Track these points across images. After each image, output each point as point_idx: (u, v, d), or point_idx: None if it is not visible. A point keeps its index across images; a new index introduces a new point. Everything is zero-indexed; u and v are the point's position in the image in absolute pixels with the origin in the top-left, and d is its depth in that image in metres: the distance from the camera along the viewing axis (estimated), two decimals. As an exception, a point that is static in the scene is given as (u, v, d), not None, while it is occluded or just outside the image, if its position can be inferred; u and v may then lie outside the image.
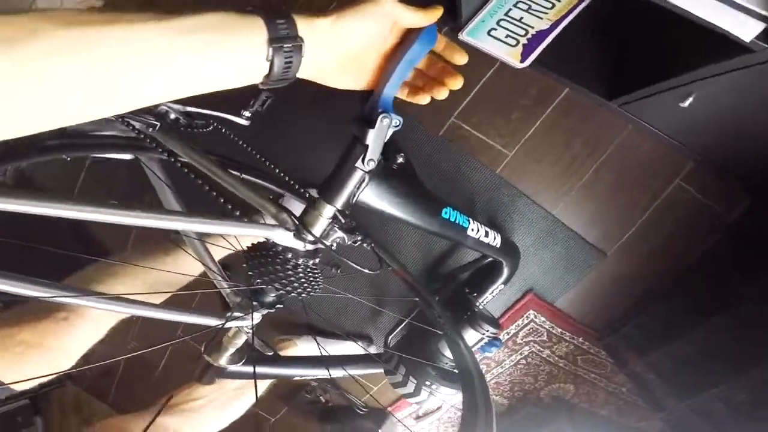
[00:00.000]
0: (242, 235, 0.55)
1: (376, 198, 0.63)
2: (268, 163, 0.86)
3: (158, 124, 0.69)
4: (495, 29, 0.87)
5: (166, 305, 0.53)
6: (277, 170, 0.88)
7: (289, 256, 0.60)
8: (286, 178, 0.89)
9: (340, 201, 0.54)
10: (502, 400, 1.27)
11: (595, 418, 1.24)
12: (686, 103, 0.72)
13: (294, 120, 1.11)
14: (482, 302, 1.01)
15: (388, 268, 0.98)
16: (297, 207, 1.09)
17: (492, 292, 1.02)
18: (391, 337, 1.11)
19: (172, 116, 0.75)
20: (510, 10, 0.85)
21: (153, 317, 0.54)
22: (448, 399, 0.94)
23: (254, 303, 0.66)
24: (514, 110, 1.00)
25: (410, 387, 0.90)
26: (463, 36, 0.88)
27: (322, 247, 0.61)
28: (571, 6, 0.81)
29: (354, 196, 0.58)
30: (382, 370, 0.96)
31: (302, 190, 0.90)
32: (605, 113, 0.96)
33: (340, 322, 1.22)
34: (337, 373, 0.93)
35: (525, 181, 1.04)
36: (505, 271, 0.99)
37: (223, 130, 0.83)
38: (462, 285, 1.05)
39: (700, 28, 0.57)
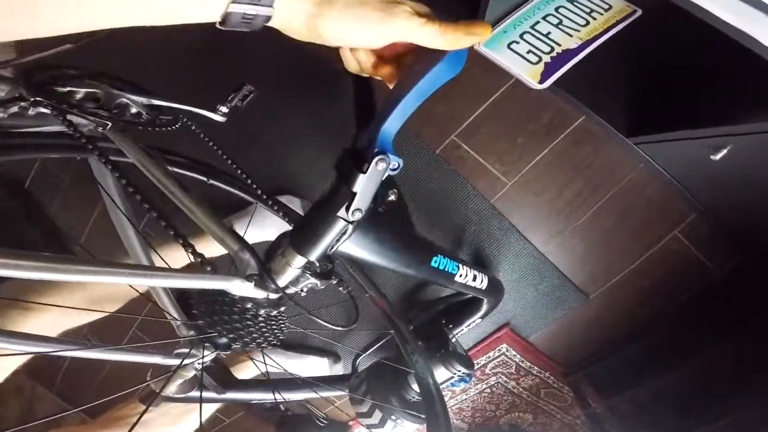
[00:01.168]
0: (190, 288, 0.46)
1: (357, 249, 0.54)
2: (237, 169, 0.75)
3: (108, 123, 0.57)
4: (517, 42, 0.76)
5: (106, 345, 0.47)
6: (249, 179, 0.78)
7: (248, 305, 0.51)
8: (254, 186, 0.78)
9: (315, 254, 0.45)
10: (462, 425, 1.26)
11: None
12: (718, 156, 0.66)
13: (278, 119, 1.00)
14: (457, 333, 0.97)
15: (365, 294, 0.91)
16: (271, 222, 1.00)
17: (468, 325, 0.97)
18: (359, 359, 1.06)
19: (133, 110, 0.63)
20: (538, 23, 0.75)
21: (94, 358, 0.48)
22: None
23: (205, 344, 0.58)
24: (520, 135, 0.92)
25: (375, 418, 0.86)
26: (479, 47, 0.78)
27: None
28: (608, 26, 0.71)
29: (332, 248, 0.50)
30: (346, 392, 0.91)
31: (273, 205, 0.80)
32: (618, 149, 0.89)
33: (307, 337, 1.16)
34: (295, 396, 0.88)
35: (519, 215, 0.97)
36: (485, 308, 0.94)
37: (194, 128, 0.72)
38: (438, 315, 0.99)
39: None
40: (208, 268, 0.49)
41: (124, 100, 0.62)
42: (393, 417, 0.85)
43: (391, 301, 1.04)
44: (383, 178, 0.44)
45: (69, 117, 0.52)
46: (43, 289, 0.68)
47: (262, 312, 0.53)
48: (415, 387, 0.89)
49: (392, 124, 0.40)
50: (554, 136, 0.91)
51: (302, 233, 0.46)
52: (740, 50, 0.59)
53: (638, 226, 0.95)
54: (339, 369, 1.17)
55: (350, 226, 0.45)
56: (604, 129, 0.87)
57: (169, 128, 0.69)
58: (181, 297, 0.73)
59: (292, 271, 0.48)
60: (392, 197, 0.60)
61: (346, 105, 0.95)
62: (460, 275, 0.72)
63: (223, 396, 0.68)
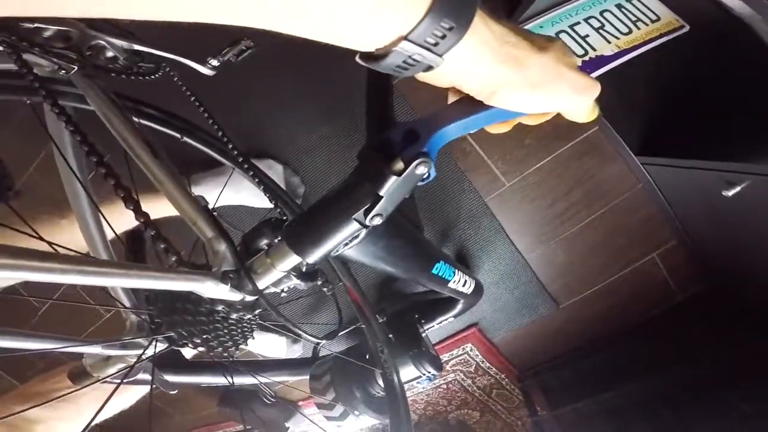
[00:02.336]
0: (157, 288, 0.37)
1: (362, 255, 0.47)
2: (218, 130, 0.65)
3: (75, 66, 0.50)
4: None
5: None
6: (226, 139, 0.66)
7: (219, 308, 0.43)
8: (235, 151, 0.68)
9: (315, 255, 0.37)
10: (412, 416, 1.26)
11: None
12: (731, 193, 0.64)
13: (272, 81, 0.87)
14: (428, 329, 0.94)
15: (339, 284, 0.84)
16: (247, 188, 0.88)
17: (440, 323, 0.94)
18: (321, 345, 1.00)
19: (109, 54, 0.55)
20: (578, 23, 0.68)
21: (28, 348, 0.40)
22: (370, 425, 0.88)
23: (156, 339, 0.49)
24: (529, 136, 0.86)
25: (336, 412, 0.83)
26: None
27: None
28: (650, 37, 0.66)
29: (336, 251, 0.41)
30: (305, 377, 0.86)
31: (251, 172, 0.70)
32: (622, 165, 0.86)
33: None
34: (249, 380, 0.81)
35: (510, 218, 0.93)
36: (460, 308, 0.91)
37: (176, 79, 0.64)
38: (412, 309, 0.95)
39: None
40: (173, 258, 0.40)
41: (101, 42, 0.54)
42: (356, 412, 0.82)
43: (365, 290, 0.98)
44: (416, 185, 0.36)
45: (25, 55, 0.45)
46: None
47: (234, 316, 0.44)
48: (381, 382, 0.86)
49: (454, 130, 0.34)
50: (562, 143, 0.87)
51: (304, 230, 0.37)
52: None
53: (622, 245, 0.95)
54: (297, 349, 1.10)
55: (363, 231, 0.37)
56: (614, 143, 0.84)
57: (146, 77, 0.60)
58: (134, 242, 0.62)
59: (275, 273, 0.40)
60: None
61: (352, 74, 0.84)
62: (455, 281, 0.67)
63: (176, 379, 0.60)
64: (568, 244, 0.95)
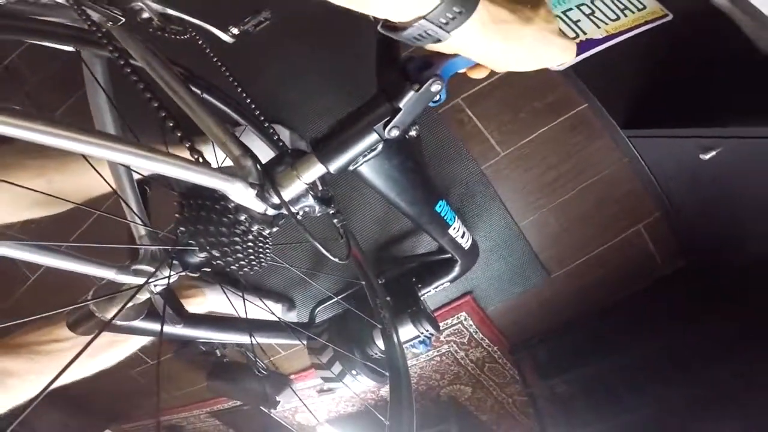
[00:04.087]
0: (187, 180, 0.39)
1: (377, 172, 0.49)
2: (240, 90, 0.68)
3: (122, 19, 0.55)
4: None
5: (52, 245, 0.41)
6: (249, 100, 0.69)
7: (242, 218, 0.44)
8: (258, 112, 0.71)
9: (337, 164, 0.41)
10: (406, 389, 1.27)
11: (476, 421, 1.32)
12: (707, 156, 0.69)
13: (286, 50, 0.91)
14: (425, 294, 0.96)
15: (341, 240, 0.86)
16: (258, 148, 0.90)
17: (437, 287, 0.96)
18: (319, 309, 1.01)
19: (145, 15, 0.61)
20: (570, 9, 0.73)
21: (34, 261, 0.41)
22: (367, 388, 0.89)
23: (175, 262, 0.49)
24: (523, 110, 0.91)
25: (334, 371, 0.83)
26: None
27: (285, 214, 0.46)
28: (636, 24, 0.72)
29: (355, 163, 0.44)
30: (302, 343, 0.86)
31: (274, 134, 0.73)
32: (609, 140, 0.92)
33: (263, 277, 1.08)
34: (248, 339, 0.81)
35: (505, 186, 0.97)
36: (457, 270, 0.94)
37: (200, 42, 0.69)
38: (410, 273, 0.97)
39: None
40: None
41: (139, 4, 0.60)
42: (354, 371, 0.82)
43: (365, 251, 1.00)
44: (429, 104, 0.40)
45: (84, 7, 0.49)
46: None
47: (255, 228, 0.46)
48: (380, 343, 0.86)
49: (461, 62, 0.39)
50: (554, 117, 0.92)
51: (330, 139, 0.41)
52: (748, 53, 0.62)
53: (609, 216, 1.00)
54: (292, 317, 1.10)
55: (381, 144, 0.41)
56: (602, 119, 0.89)
57: (176, 37, 0.67)
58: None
59: (298, 185, 0.42)
60: (414, 132, 0.55)
61: (360, 48, 0.89)
62: (454, 228, 0.70)
63: (182, 331, 0.60)
64: (558, 212, 0.99)
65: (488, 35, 0.33)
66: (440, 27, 0.30)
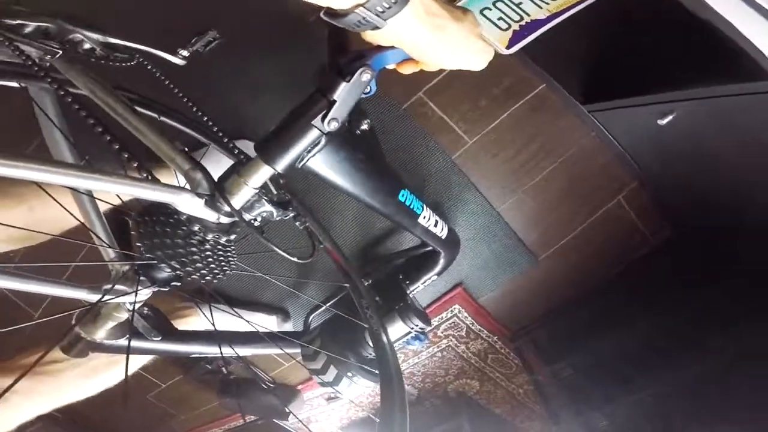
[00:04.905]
0: (134, 196, 0.41)
1: (328, 166, 0.52)
2: (194, 108, 0.71)
3: (60, 51, 0.56)
4: (489, 9, 0.77)
5: (26, 272, 0.42)
6: (206, 117, 0.72)
7: (196, 228, 0.47)
8: (216, 128, 0.74)
9: (283, 163, 0.43)
10: (412, 390, 1.28)
11: (489, 415, 1.31)
12: (664, 121, 0.70)
13: (241, 66, 0.94)
14: (413, 290, 0.97)
15: (320, 246, 0.88)
16: (224, 164, 0.93)
17: (425, 282, 0.98)
18: (312, 316, 1.03)
19: (86, 46, 0.62)
20: None
21: (8, 287, 0.42)
22: (366, 389, 0.89)
23: (141, 278, 0.52)
24: (483, 97, 0.93)
25: (330, 376, 0.85)
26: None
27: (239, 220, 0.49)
28: (576, 1, 0.74)
29: (302, 159, 0.47)
30: (297, 351, 0.88)
31: (230, 144, 0.76)
32: (573, 117, 0.93)
33: (255, 292, 1.10)
34: (241, 352, 0.83)
35: (477, 173, 0.99)
36: (442, 262, 0.95)
37: (149, 66, 0.70)
38: (396, 270, 0.99)
39: (723, 41, 0.52)
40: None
41: (78, 35, 0.61)
42: (349, 374, 0.84)
43: (346, 254, 1.02)
44: (362, 94, 0.43)
45: (16, 44, 0.51)
46: None
47: (209, 237, 0.48)
48: (371, 343, 0.88)
49: (391, 56, 0.42)
50: (515, 101, 0.93)
51: (272, 140, 0.43)
52: (687, 18, 0.63)
53: (586, 191, 1.00)
54: (288, 328, 1.13)
55: (323, 138, 0.44)
56: (562, 97, 0.91)
57: (122, 64, 0.67)
58: (119, 229, 0.66)
59: (247, 191, 0.45)
60: (365, 126, 0.58)
61: (314, 57, 0.91)
62: (424, 217, 0.71)
63: (157, 345, 0.62)
64: (535, 192, 1.00)
65: (421, 26, 0.36)
66: (377, 15, 0.33)
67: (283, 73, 0.94)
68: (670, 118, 0.73)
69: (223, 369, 1.20)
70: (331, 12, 0.34)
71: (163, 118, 0.77)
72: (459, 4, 0.76)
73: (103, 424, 1.32)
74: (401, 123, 0.95)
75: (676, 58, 0.74)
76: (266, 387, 1.19)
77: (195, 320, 0.97)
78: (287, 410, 1.18)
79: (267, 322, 1.07)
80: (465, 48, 0.42)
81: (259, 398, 1.18)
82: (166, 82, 0.71)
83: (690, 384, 0.90)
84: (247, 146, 0.95)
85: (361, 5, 0.32)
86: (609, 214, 1.02)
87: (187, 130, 0.80)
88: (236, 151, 0.78)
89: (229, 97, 0.96)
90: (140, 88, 0.67)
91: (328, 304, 0.98)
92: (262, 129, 0.97)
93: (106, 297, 0.51)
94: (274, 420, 1.26)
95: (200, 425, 1.41)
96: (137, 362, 0.85)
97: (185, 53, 0.74)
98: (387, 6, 0.32)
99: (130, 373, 0.81)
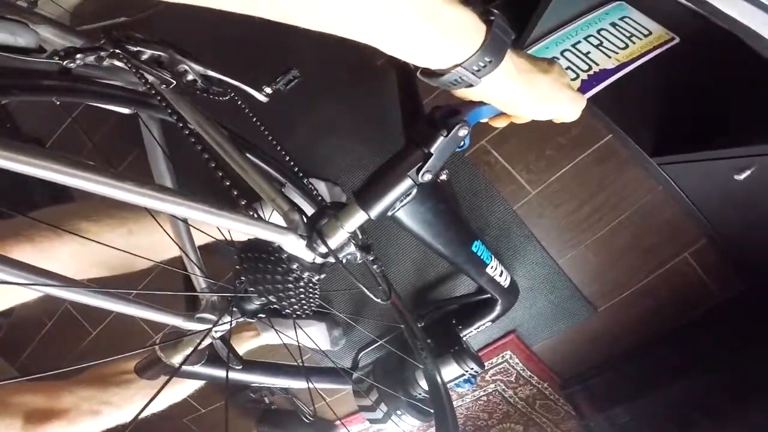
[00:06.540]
0: (246, 233, 0.45)
1: (411, 216, 0.54)
2: (279, 147, 0.75)
3: (174, 82, 0.59)
4: (557, 58, 0.79)
5: (125, 295, 0.43)
6: (288, 157, 0.77)
7: (294, 266, 0.49)
8: (297, 168, 0.78)
9: (377, 210, 0.45)
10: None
11: None
12: (742, 177, 0.68)
13: (315, 106, 1.01)
14: (466, 335, 0.96)
15: (378, 287, 0.90)
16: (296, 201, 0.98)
17: (478, 328, 0.96)
18: (362, 354, 1.03)
19: (190, 77, 0.65)
20: (579, 42, 0.78)
21: (105, 308, 0.42)
22: (412, 428, 0.88)
23: (234, 309, 0.55)
24: (548, 147, 0.94)
25: (379, 414, 0.84)
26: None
27: (331, 261, 0.51)
28: (646, 50, 0.75)
29: (393, 209, 0.49)
30: (348, 387, 0.88)
31: (313, 189, 0.80)
32: (640, 170, 0.92)
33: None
34: (301, 384, 0.84)
35: (539, 225, 0.99)
36: (498, 310, 0.94)
37: (239, 103, 0.74)
38: (449, 315, 0.98)
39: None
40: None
41: (184, 66, 0.64)
42: (399, 412, 0.83)
43: (402, 296, 1.03)
44: (456, 149, 0.45)
45: (140, 71, 0.54)
46: (83, 223, 0.64)
47: (305, 275, 0.51)
48: (423, 383, 0.87)
49: (486, 111, 0.44)
50: (581, 151, 0.94)
51: (369, 188, 0.46)
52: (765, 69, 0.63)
53: (651, 246, 0.97)
54: (337, 335, 1.11)
55: (415, 189, 0.46)
56: (629, 149, 0.90)
57: (219, 98, 0.71)
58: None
59: (342, 234, 0.47)
60: (444, 177, 0.60)
61: (383, 100, 0.97)
62: (492, 267, 0.72)
63: (241, 375, 0.65)
64: (597, 247, 0.98)
65: (512, 82, 0.38)
66: (473, 73, 0.34)
67: (351, 112, 1.00)
68: (748, 173, 0.71)
69: (266, 399, 1.21)
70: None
71: (247, 155, 0.83)
72: (529, 51, 0.80)
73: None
74: (463, 170, 0.97)
75: (753, 110, 0.74)
76: (306, 420, 1.18)
77: (255, 335, 1.00)
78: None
79: (317, 330, 1.07)
80: (556, 99, 0.43)
81: (297, 431, 1.18)
82: (254, 119, 0.75)
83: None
84: (317, 183, 1.00)
85: (459, 65, 0.33)
86: (674, 270, 0.98)
87: (267, 168, 0.85)
88: (314, 192, 0.82)
89: (302, 136, 1.02)
90: (227, 122, 0.70)
91: (383, 340, 0.98)
92: (332, 168, 1.02)
93: (195, 326, 0.54)
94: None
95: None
96: (193, 386, 0.87)
97: (269, 90, 0.77)
98: (483, 65, 0.33)
99: (189, 393, 0.84)
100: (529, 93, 0.40)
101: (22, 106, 1.21)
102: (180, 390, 0.84)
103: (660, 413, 0.97)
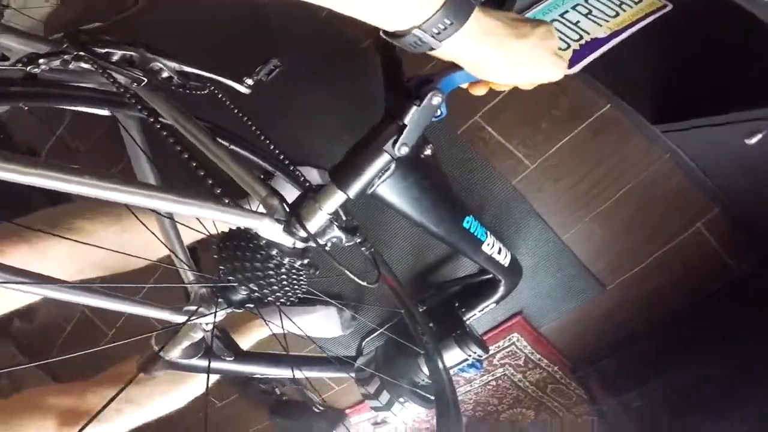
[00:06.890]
0: (220, 221, 0.44)
1: (395, 192, 0.52)
2: (263, 137, 0.74)
3: (145, 80, 0.60)
4: None
5: (114, 293, 0.44)
6: (273, 146, 0.76)
7: (273, 252, 0.49)
8: (282, 156, 0.77)
9: (355, 189, 0.43)
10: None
11: None
12: (753, 140, 0.64)
13: (300, 94, 1.00)
14: (470, 318, 0.94)
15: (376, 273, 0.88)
16: (287, 191, 0.97)
17: (482, 310, 0.94)
18: (365, 341, 1.02)
19: (165, 74, 0.66)
20: (567, 12, 0.74)
21: (97, 306, 0.44)
22: (418, 416, 0.87)
23: (219, 300, 0.54)
24: (544, 120, 0.90)
25: (382, 401, 0.83)
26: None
27: (313, 245, 0.50)
28: (637, 18, 0.71)
29: (372, 185, 0.48)
30: (351, 375, 0.88)
31: (300, 176, 0.79)
32: (642, 139, 0.87)
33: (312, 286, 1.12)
34: (307, 374, 0.84)
35: (539, 199, 0.95)
36: (501, 291, 0.91)
37: (220, 96, 0.74)
38: (452, 297, 0.96)
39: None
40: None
41: (158, 64, 0.65)
42: (401, 399, 0.82)
43: (402, 281, 1.01)
44: (432, 118, 0.43)
45: (109, 72, 0.55)
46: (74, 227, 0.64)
47: (286, 261, 0.50)
48: (426, 370, 0.86)
49: (459, 77, 0.42)
50: (578, 123, 0.90)
51: (344, 166, 0.44)
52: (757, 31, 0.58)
53: (660, 218, 0.93)
54: (347, 317, 1.10)
55: (393, 163, 0.44)
56: (630, 117, 0.86)
57: (197, 93, 0.72)
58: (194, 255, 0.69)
59: (321, 216, 0.46)
60: (428, 151, 0.58)
61: (369, 82, 0.94)
62: (488, 244, 0.70)
63: (232, 366, 0.64)
64: (602, 220, 0.94)
65: (480, 45, 0.36)
66: (433, 36, 0.33)
67: (337, 97, 0.98)
68: (759, 136, 0.67)
69: (276, 390, 1.22)
70: (389, 33, 0.35)
71: (233, 147, 0.82)
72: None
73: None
74: (457, 148, 0.94)
75: (757, 74, 0.69)
76: (316, 410, 1.18)
77: (260, 331, 1.00)
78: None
79: (327, 316, 1.06)
80: (533, 63, 0.41)
81: (309, 421, 1.18)
82: (235, 111, 0.75)
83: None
84: (309, 171, 0.99)
85: (417, 27, 0.32)
86: (687, 242, 0.94)
87: (254, 159, 0.84)
88: (302, 179, 0.82)
89: (289, 125, 1.00)
90: (209, 116, 0.70)
91: (383, 328, 0.97)
92: (323, 154, 1.01)
93: (183, 318, 0.54)
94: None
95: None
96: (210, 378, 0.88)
97: (250, 81, 0.79)
98: (443, 27, 0.33)
99: (197, 393, 0.85)
100: (499, 57, 0.38)
101: (14, 117, 1.23)
102: (197, 384, 0.85)
103: (674, 395, 0.94)
